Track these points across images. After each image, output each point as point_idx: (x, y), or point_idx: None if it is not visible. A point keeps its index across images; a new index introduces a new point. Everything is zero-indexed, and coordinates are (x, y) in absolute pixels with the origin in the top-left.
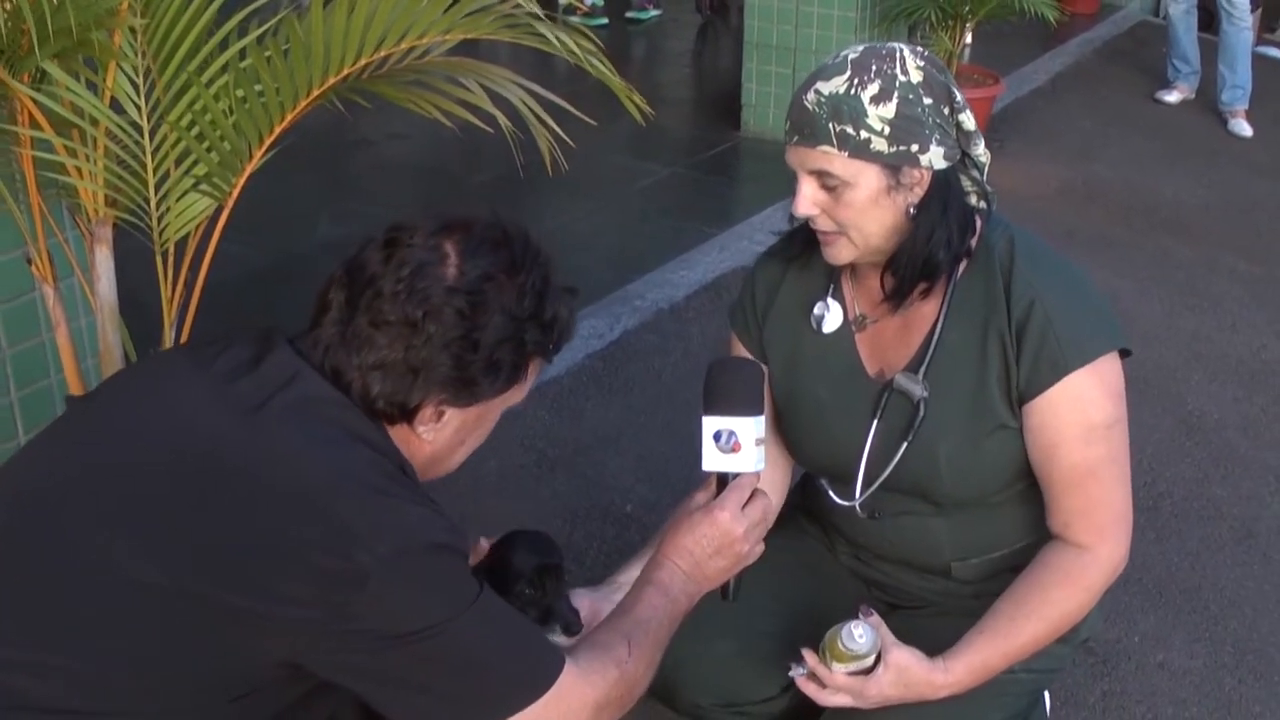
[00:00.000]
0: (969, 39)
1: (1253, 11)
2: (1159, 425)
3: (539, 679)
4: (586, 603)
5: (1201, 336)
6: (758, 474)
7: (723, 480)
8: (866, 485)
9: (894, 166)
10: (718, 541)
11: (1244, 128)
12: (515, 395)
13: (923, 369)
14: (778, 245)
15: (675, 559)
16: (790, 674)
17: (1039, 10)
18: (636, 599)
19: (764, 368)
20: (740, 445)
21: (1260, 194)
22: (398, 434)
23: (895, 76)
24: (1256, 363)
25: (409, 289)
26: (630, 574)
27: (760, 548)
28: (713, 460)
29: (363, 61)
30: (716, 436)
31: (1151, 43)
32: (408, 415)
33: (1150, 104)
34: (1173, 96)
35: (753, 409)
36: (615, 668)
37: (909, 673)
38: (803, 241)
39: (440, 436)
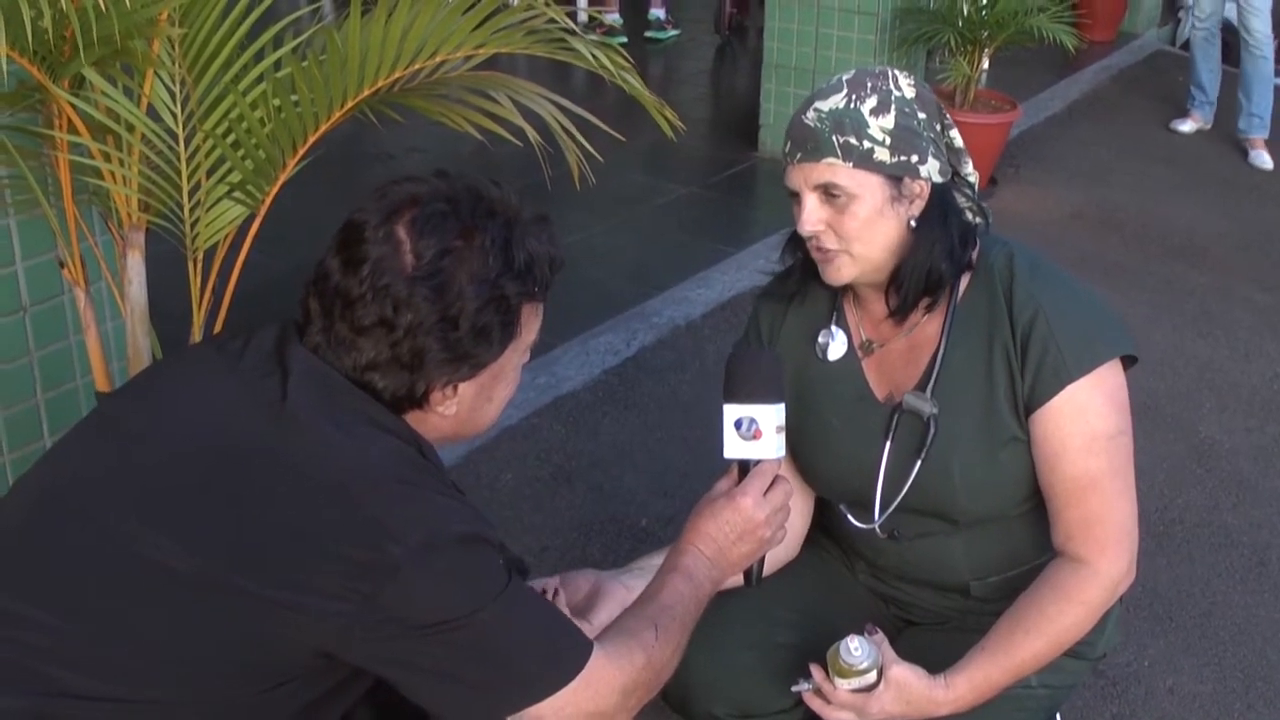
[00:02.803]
0: (986, 64)
1: (1278, 39)
2: (1170, 452)
3: (567, 665)
4: (592, 580)
5: (1214, 365)
6: (779, 460)
7: (744, 468)
8: (884, 507)
9: (896, 177)
10: (740, 527)
11: (1265, 160)
12: (524, 343)
13: (930, 387)
14: (774, 284)
15: (699, 545)
16: (794, 689)
17: (1058, 37)
18: (661, 585)
19: (781, 354)
20: (761, 432)
21: (1276, 224)
22: (415, 418)
23: (891, 91)
24: (1269, 392)
25: (373, 289)
26: (654, 560)
27: (782, 533)
28: (734, 448)
29: (397, 74)
30: (737, 424)
31: (1168, 72)
32: (418, 402)
33: (1166, 133)
34: (1187, 126)
35: (772, 397)
36: (642, 653)
37: (909, 689)
38: (799, 278)
39: (461, 407)
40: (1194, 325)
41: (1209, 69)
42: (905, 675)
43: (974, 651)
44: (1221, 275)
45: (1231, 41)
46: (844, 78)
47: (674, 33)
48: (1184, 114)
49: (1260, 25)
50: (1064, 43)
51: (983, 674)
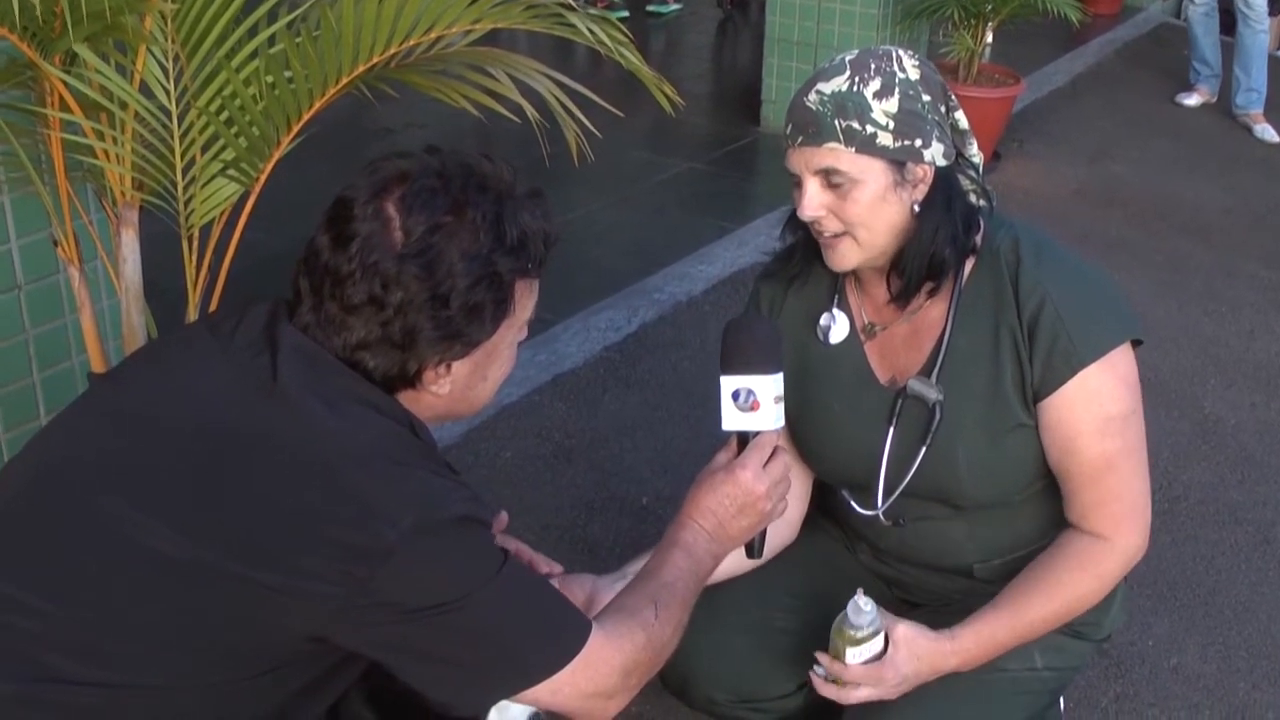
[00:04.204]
0: (990, 38)
1: (1271, 15)
2: (1176, 429)
3: (565, 646)
4: (589, 587)
5: (1219, 341)
6: (778, 432)
7: (743, 440)
8: (888, 493)
9: (899, 162)
10: (740, 500)
11: (1271, 133)
12: (519, 320)
13: (935, 372)
14: (775, 264)
15: (699, 519)
16: (812, 674)
17: (1062, 10)
18: (661, 561)
19: (780, 326)
20: (759, 404)
21: None
22: (408, 397)
23: (895, 73)
24: (1274, 368)
25: (362, 267)
26: (641, 565)
27: (783, 505)
28: (732, 420)
29: (392, 50)
30: (735, 396)
31: (1173, 45)
32: (410, 381)
33: (1171, 107)
34: (1192, 100)
35: (770, 367)
36: (642, 631)
37: (917, 644)
38: (801, 258)
39: (455, 386)
40: (1199, 302)
41: (1211, 43)
42: (910, 632)
43: (984, 609)
44: (1226, 251)
45: (1229, 9)
46: (847, 58)
47: (676, 7)
48: (1188, 88)
49: None
50: (1068, 16)
51: (989, 630)
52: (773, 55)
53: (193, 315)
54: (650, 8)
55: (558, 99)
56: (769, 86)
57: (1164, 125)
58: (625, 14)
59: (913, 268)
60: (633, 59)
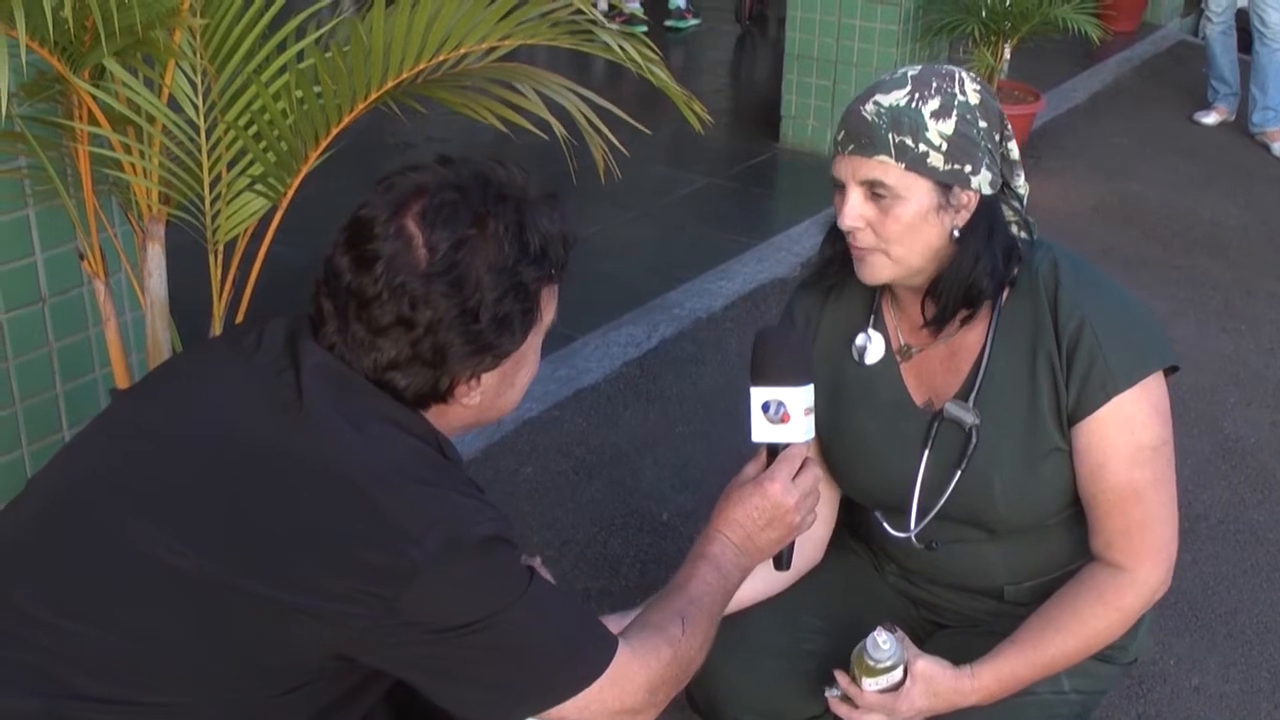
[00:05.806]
0: (1009, 55)
1: None
2: (1195, 448)
3: (592, 664)
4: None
5: (1238, 359)
6: (808, 444)
7: (773, 451)
8: (921, 516)
9: (946, 185)
10: (769, 513)
11: None
12: (544, 325)
13: (972, 396)
14: (813, 275)
15: (727, 532)
16: (826, 694)
17: (1082, 27)
18: (689, 575)
19: (809, 337)
20: (789, 415)
21: None
22: (437, 411)
23: (955, 95)
24: None
25: (388, 288)
26: None
27: (812, 517)
28: (762, 431)
29: (421, 65)
30: (765, 407)
31: (1191, 63)
32: (442, 397)
33: (1189, 124)
34: (1210, 118)
35: (801, 378)
36: (669, 647)
37: (936, 681)
38: (839, 271)
39: (485, 396)
40: (1217, 319)
41: (1229, 61)
42: (930, 668)
43: (1004, 645)
44: (1245, 269)
45: (1246, 27)
46: (909, 73)
47: (694, 22)
48: (1206, 106)
49: (1275, 17)
50: (1088, 33)
51: (1009, 668)
52: (792, 71)
53: (218, 328)
54: (669, 23)
55: (585, 115)
56: (788, 102)
57: (1182, 143)
58: (645, 28)
59: (949, 295)
60: (663, 76)
